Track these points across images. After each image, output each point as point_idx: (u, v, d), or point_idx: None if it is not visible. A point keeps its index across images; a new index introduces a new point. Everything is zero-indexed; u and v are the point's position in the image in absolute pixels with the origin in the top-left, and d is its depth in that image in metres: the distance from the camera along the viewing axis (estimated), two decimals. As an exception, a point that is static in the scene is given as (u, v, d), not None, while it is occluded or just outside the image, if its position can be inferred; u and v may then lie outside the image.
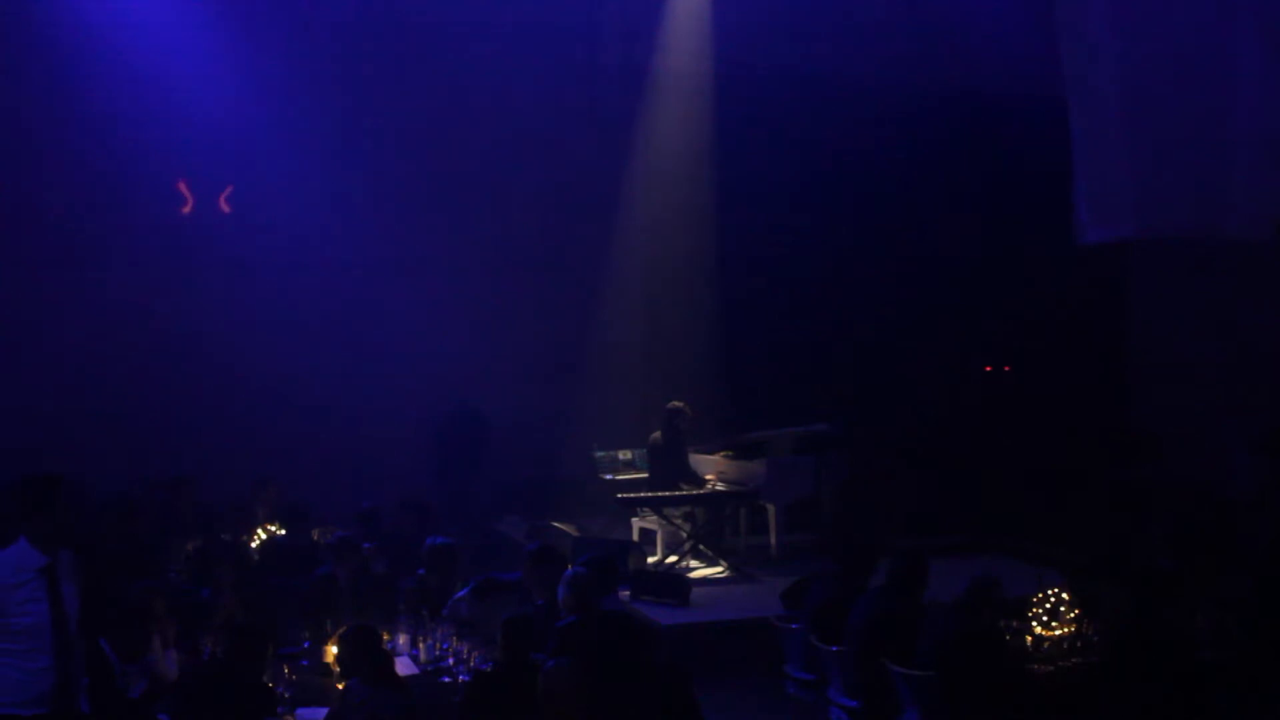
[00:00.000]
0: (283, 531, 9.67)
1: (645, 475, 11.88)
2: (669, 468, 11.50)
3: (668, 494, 11.22)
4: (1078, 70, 11.30)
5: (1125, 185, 10.93)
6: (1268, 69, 10.40)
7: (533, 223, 13.49)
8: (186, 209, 12.84)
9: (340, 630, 6.59)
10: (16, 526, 5.23)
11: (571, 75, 13.53)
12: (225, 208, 12.93)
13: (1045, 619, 6.83)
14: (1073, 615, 6.84)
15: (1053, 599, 6.91)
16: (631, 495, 11.31)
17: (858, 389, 13.57)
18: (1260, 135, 10.40)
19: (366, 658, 5.88)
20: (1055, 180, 11.81)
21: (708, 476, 11.68)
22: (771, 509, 11.36)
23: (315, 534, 9.61)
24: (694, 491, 11.33)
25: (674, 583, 10.09)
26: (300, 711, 6.03)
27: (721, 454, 11.91)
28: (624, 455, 12.42)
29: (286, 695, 6.06)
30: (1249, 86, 10.46)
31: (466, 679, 6.36)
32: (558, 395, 13.30)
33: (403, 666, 6.58)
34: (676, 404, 11.60)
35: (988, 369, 14.32)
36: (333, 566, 7.89)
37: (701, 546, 11.22)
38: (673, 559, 11.16)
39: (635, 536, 11.56)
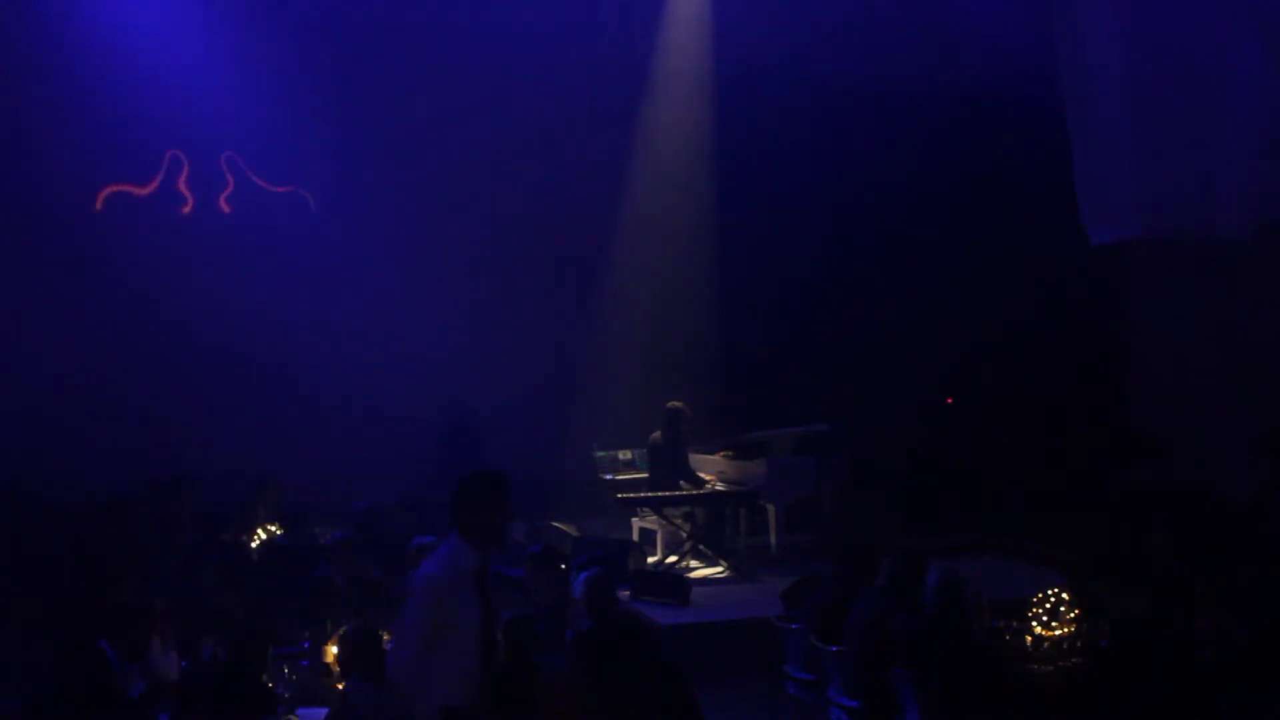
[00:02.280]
0: (282, 532, 9.66)
1: (645, 475, 11.86)
2: (669, 468, 11.48)
3: (668, 494, 11.20)
4: (1078, 70, 11.31)
5: (1126, 185, 10.94)
6: (1265, 69, 10.41)
7: (533, 222, 13.48)
8: (186, 209, 12.85)
9: (340, 630, 6.58)
10: (452, 521, 5.06)
11: (571, 74, 13.53)
12: (225, 208, 12.94)
13: (1045, 619, 6.82)
14: (1073, 615, 6.82)
15: (1053, 599, 6.90)
16: (631, 495, 11.30)
17: (858, 389, 13.55)
18: (1257, 135, 10.41)
19: (366, 658, 5.87)
20: (1055, 180, 11.80)
21: (708, 476, 11.67)
22: (771, 509, 11.34)
23: (316, 534, 9.61)
24: (694, 491, 11.33)
25: (674, 583, 10.07)
26: (300, 711, 6.03)
27: (721, 454, 11.89)
28: (624, 455, 12.40)
29: (286, 695, 6.06)
30: (1247, 86, 10.47)
31: (466, 679, 6.34)
32: (558, 395, 13.29)
33: (403, 666, 6.56)
34: (676, 404, 11.58)
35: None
36: (331, 567, 7.90)
37: (701, 546, 11.22)
38: (673, 559, 11.15)
39: (635, 536, 11.54)
